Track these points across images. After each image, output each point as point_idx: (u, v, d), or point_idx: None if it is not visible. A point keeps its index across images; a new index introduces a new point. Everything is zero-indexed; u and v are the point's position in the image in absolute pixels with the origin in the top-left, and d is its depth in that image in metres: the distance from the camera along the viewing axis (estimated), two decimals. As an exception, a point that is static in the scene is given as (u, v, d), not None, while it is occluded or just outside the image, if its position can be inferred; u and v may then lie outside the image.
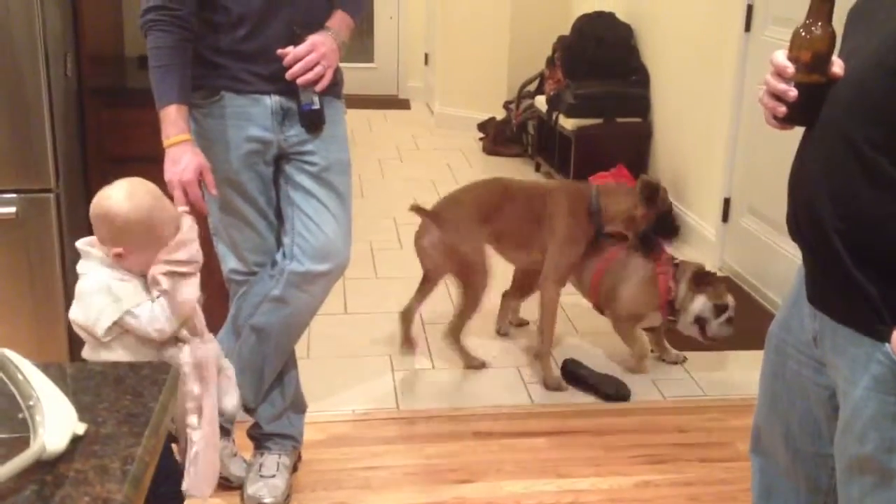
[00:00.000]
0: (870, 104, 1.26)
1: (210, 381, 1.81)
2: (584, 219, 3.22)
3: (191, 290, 1.76)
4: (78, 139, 2.91)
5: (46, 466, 0.98)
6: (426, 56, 7.90)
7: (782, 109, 1.35)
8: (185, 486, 1.80)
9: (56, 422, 1.01)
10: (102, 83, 3.01)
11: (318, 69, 2.22)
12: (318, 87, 2.25)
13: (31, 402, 1.01)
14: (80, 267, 1.76)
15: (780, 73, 1.34)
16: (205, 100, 2.24)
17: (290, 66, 2.21)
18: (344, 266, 2.38)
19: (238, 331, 2.40)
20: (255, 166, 2.29)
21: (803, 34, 1.32)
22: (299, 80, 2.22)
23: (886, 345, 1.28)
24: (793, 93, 1.33)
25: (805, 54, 1.31)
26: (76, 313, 1.74)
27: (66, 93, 2.78)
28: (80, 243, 1.76)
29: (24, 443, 0.98)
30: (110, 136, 2.92)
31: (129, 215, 1.72)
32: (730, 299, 3.22)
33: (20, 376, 1.02)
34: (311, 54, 2.21)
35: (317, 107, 2.27)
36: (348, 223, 2.39)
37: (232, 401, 1.92)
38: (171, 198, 1.95)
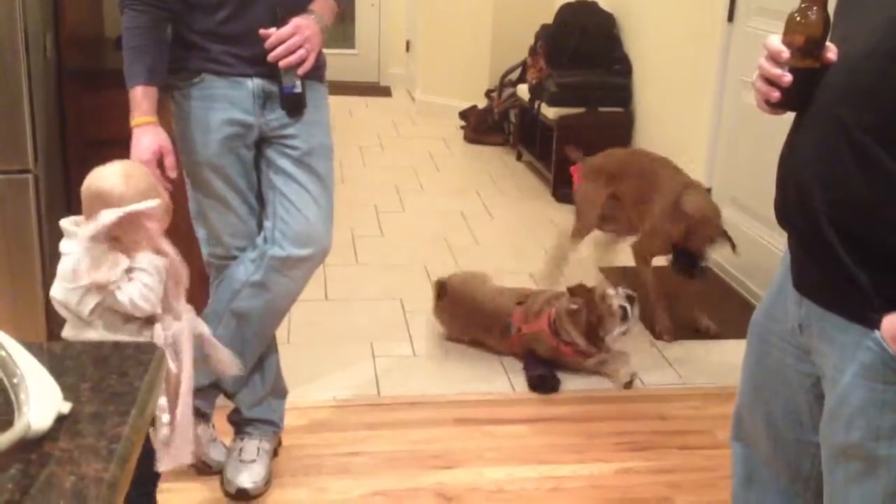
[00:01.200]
0: (863, 89, 1.26)
1: (185, 359, 1.80)
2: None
3: (146, 257, 1.74)
4: (57, 120, 2.88)
5: (31, 445, 0.96)
6: (408, 43, 7.88)
7: (776, 94, 1.34)
8: (159, 466, 1.79)
9: (41, 400, 0.99)
10: (82, 64, 2.98)
11: (300, 52, 2.20)
12: (301, 71, 2.23)
13: (15, 380, 0.99)
14: (64, 246, 1.74)
15: (774, 58, 1.33)
16: (185, 81, 2.22)
17: (272, 49, 2.19)
18: (325, 250, 2.37)
19: (218, 315, 2.38)
20: (236, 150, 2.27)
21: (798, 19, 1.31)
22: (281, 63, 2.19)
23: (876, 332, 1.28)
24: (787, 77, 1.32)
25: (799, 39, 1.31)
26: (58, 292, 1.73)
27: (45, 74, 2.74)
28: (65, 222, 1.74)
29: (8, 422, 0.96)
30: (89, 118, 2.89)
31: (124, 196, 1.71)
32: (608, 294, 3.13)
33: (4, 353, 1.00)
34: (294, 37, 2.19)
35: (298, 90, 2.25)
36: (330, 208, 2.37)
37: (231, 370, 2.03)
38: None
